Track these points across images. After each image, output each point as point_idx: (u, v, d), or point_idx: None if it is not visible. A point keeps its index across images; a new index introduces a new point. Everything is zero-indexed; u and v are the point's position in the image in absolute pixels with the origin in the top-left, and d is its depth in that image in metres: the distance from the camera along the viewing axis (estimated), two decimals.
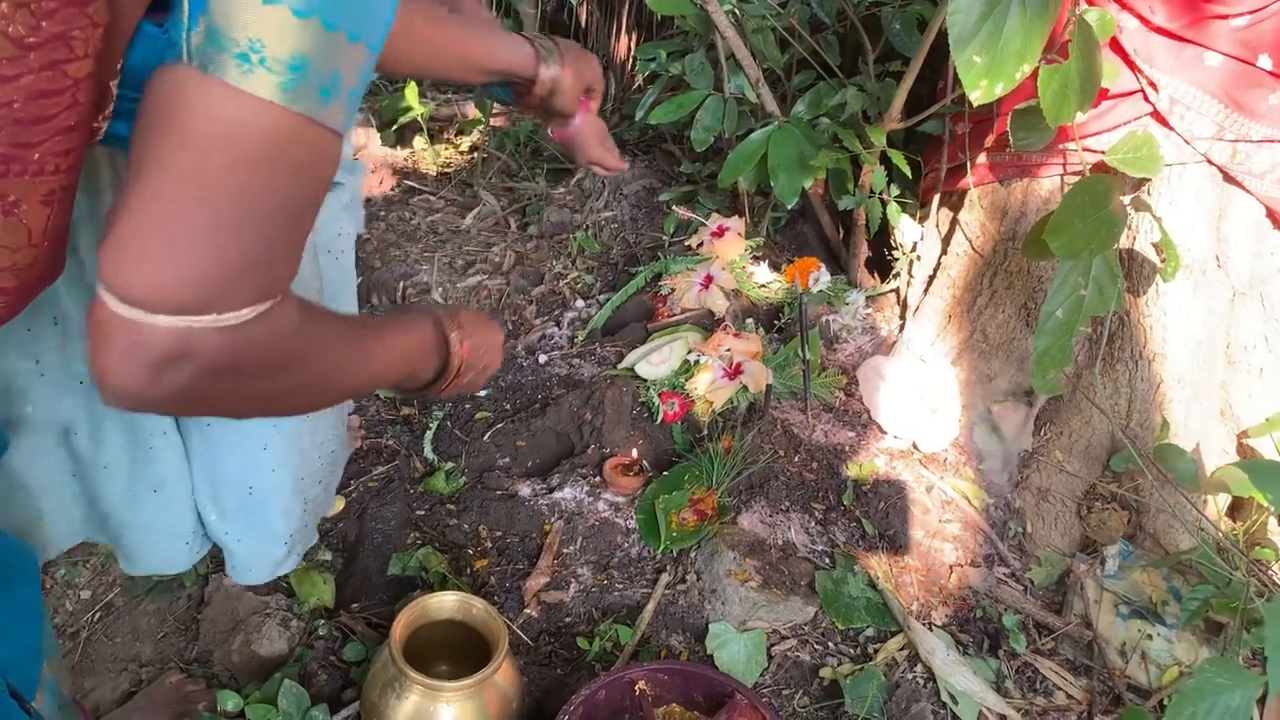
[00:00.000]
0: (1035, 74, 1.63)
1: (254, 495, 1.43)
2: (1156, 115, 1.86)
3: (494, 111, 3.30)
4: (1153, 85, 1.83)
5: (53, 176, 0.77)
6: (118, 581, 1.78)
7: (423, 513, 1.92)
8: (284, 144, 0.74)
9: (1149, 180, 1.90)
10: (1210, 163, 1.88)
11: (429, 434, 2.08)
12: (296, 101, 0.73)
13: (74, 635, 1.69)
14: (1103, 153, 1.81)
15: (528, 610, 1.77)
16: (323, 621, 1.73)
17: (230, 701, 1.54)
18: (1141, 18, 1.80)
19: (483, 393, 2.23)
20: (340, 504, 1.93)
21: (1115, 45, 1.82)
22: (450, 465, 2.01)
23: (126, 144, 0.75)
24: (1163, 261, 1.82)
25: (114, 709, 1.60)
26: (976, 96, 1.61)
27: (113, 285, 0.73)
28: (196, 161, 0.72)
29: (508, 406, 2.20)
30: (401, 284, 2.58)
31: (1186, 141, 1.86)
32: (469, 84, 1.58)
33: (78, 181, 0.80)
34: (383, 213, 2.89)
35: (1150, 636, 1.76)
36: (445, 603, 1.55)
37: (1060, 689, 1.72)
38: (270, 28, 0.71)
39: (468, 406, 2.19)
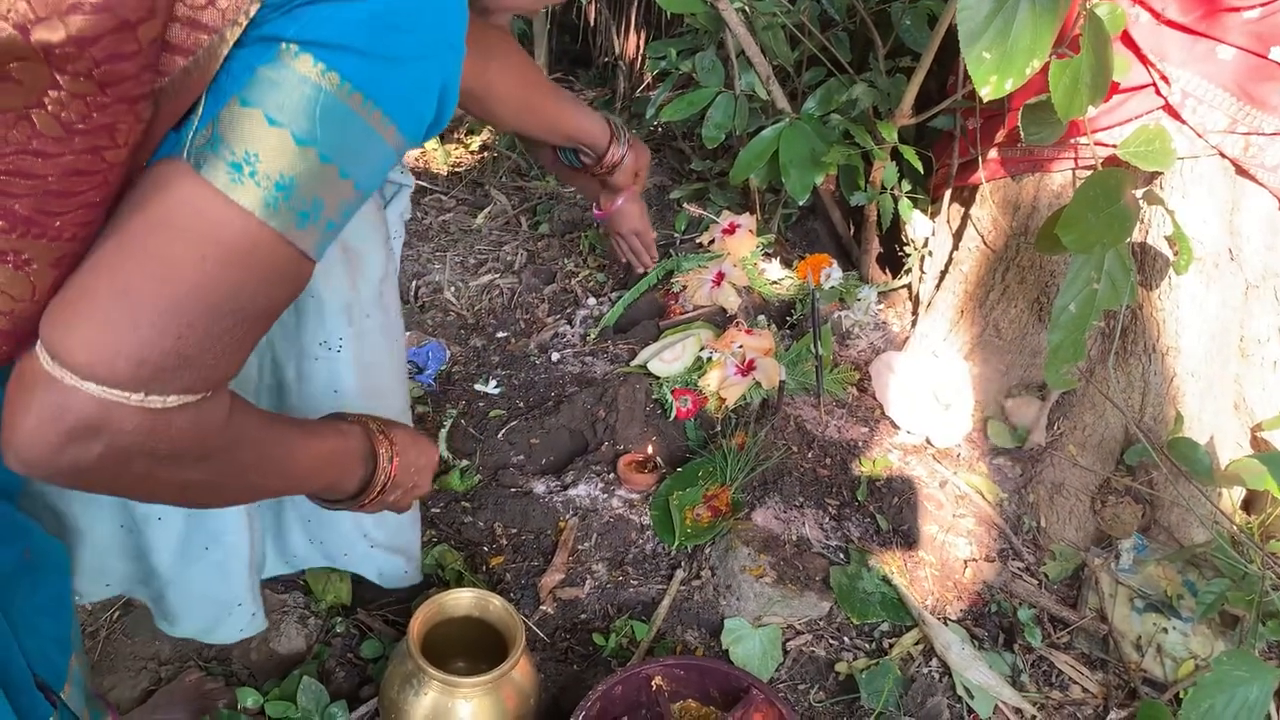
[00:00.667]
0: (1046, 68, 1.64)
1: None
2: (1168, 109, 1.86)
3: None
4: (1164, 79, 1.83)
5: (68, 244, 0.79)
6: None
7: (438, 510, 1.93)
8: (255, 253, 0.77)
9: (1161, 174, 1.90)
10: (1223, 156, 1.88)
11: (443, 432, 2.09)
12: (274, 218, 0.76)
13: (94, 634, 1.70)
14: (1114, 146, 1.81)
15: (543, 607, 1.78)
16: (340, 619, 1.73)
17: (250, 699, 1.55)
18: (1153, 11, 1.80)
19: (495, 391, 2.24)
20: None
21: (1126, 39, 1.83)
22: (465, 463, 2.02)
23: None
24: (1175, 255, 1.82)
25: (134, 707, 1.61)
26: (986, 92, 1.61)
27: (51, 342, 0.74)
28: (170, 246, 0.75)
29: (521, 404, 2.21)
30: (414, 283, 2.59)
31: (1199, 135, 1.86)
32: (546, 143, 1.75)
33: (86, 252, 0.82)
34: None
35: (1166, 630, 1.76)
36: (462, 599, 1.55)
37: (1076, 683, 1.72)
38: (268, 146, 0.75)
39: (481, 405, 2.20)
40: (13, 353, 0.84)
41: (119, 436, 0.75)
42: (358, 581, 1.81)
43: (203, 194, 0.75)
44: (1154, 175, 1.90)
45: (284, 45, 0.75)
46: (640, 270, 2.33)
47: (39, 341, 0.75)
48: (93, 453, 0.75)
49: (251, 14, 0.75)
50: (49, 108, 0.71)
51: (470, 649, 1.59)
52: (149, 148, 0.80)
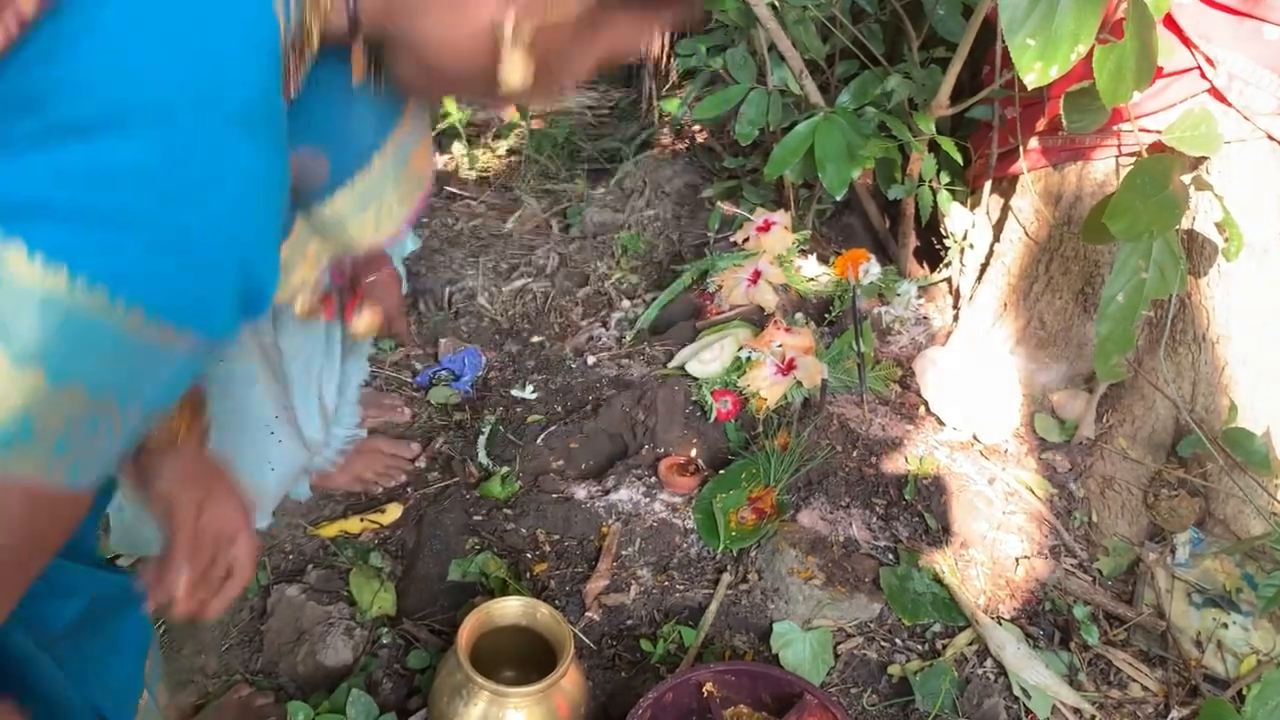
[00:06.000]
0: (1088, 55, 1.60)
1: None
2: (1214, 92, 1.82)
3: (532, 115, 3.30)
4: (1210, 61, 1.79)
5: None
6: None
7: (480, 518, 1.92)
8: None
9: (1207, 159, 1.86)
10: (1271, 139, 1.83)
11: (482, 439, 2.08)
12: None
13: None
14: (1159, 132, 1.78)
15: (589, 613, 1.76)
16: (385, 630, 1.72)
17: (301, 713, 1.54)
18: None
19: (532, 396, 2.23)
20: (398, 511, 1.94)
21: (1170, 22, 1.78)
22: (505, 470, 2.00)
23: None
24: (1225, 241, 1.78)
25: None
26: (1031, 80, 1.58)
27: None
28: None
29: (559, 409, 2.19)
30: (447, 289, 2.57)
31: (1246, 118, 1.81)
32: None
33: None
34: (425, 219, 2.89)
35: (1226, 625, 1.72)
36: (510, 608, 1.54)
37: (1135, 680, 1.69)
38: None
39: (519, 410, 2.19)
40: None
41: None
42: (401, 592, 1.80)
43: None
44: (1200, 160, 1.86)
45: None
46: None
47: None
48: None
49: None
50: None
51: (518, 658, 1.57)
52: None
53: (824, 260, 2.42)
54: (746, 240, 2.43)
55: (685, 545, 1.86)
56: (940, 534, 1.87)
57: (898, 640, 1.72)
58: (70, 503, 0.63)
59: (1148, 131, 1.83)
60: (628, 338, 2.36)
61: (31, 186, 0.56)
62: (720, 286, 2.34)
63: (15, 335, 0.55)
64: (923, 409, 2.10)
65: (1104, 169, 1.99)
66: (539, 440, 2.07)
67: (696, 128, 3.14)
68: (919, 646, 1.71)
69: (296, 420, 1.68)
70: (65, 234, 0.56)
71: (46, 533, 0.63)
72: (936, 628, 1.73)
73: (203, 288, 0.61)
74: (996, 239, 2.22)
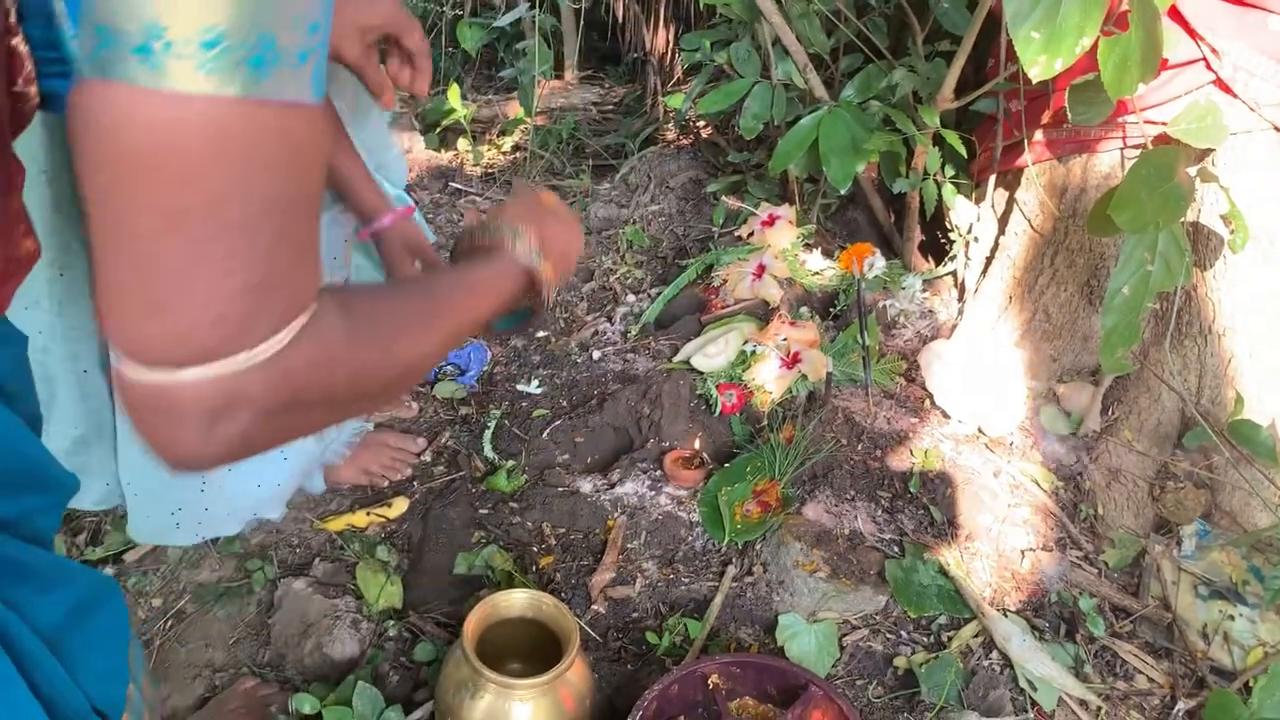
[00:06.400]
0: (1093, 47, 1.60)
1: None
2: (1219, 83, 1.81)
3: (537, 111, 3.30)
4: (1215, 52, 1.78)
5: None
6: (187, 589, 1.80)
7: (486, 511, 1.92)
8: (234, 137, 0.61)
9: (1213, 150, 1.86)
10: (1277, 130, 1.83)
11: (488, 433, 2.08)
12: (228, 85, 0.59)
13: (147, 643, 1.70)
14: (1164, 124, 1.77)
15: (595, 606, 1.76)
16: (392, 622, 1.73)
17: (308, 704, 1.55)
18: None
19: (538, 390, 2.23)
20: (404, 505, 1.94)
21: (1174, 13, 1.78)
22: (511, 464, 2.01)
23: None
24: (1231, 233, 1.78)
25: (189, 715, 1.61)
26: (1035, 73, 1.58)
27: (124, 349, 0.64)
28: (144, 189, 0.60)
29: (564, 403, 2.20)
30: None
31: (1251, 109, 1.81)
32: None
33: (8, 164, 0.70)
34: (430, 216, 2.90)
35: (1232, 617, 1.72)
36: (515, 601, 1.54)
37: (1141, 672, 1.69)
38: (167, 4, 0.57)
39: (524, 405, 2.19)
40: None
41: (255, 400, 0.66)
42: (407, 585, 1.81)
43: (129, 105, 0.58)
44: (1205, 152, 1.86)
45: None
46: None
47: (114, 355, 0.66)
48: (240, 426, 0.66)
49: None
50: None
51: (524, 650, 1.58)
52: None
53: (828, 254, 2.42)
54: (751, 235, 2.43)
55: (690, 538, 1.87)
56: (945, 526, 1.87)
57: (903, 632, 1.72)
58: (326, 122, 0.66)
59: (1153, 123, 1.83)
60: (633, 332, 2.36)
61: None
62: (725, 281, 2.34)
63: None
64: (928, 402, 2.10)
65: (1109, 161, 1.99)
66: (544, 434, 2.07)
67: (701, 123, 3.15)
68: (924, 639, 1.71)
69: None
70: None
71: (291, 155, 0.65)
72: (942, 620, 1.73)
73: None
74: (1001, 232, 2.22)
